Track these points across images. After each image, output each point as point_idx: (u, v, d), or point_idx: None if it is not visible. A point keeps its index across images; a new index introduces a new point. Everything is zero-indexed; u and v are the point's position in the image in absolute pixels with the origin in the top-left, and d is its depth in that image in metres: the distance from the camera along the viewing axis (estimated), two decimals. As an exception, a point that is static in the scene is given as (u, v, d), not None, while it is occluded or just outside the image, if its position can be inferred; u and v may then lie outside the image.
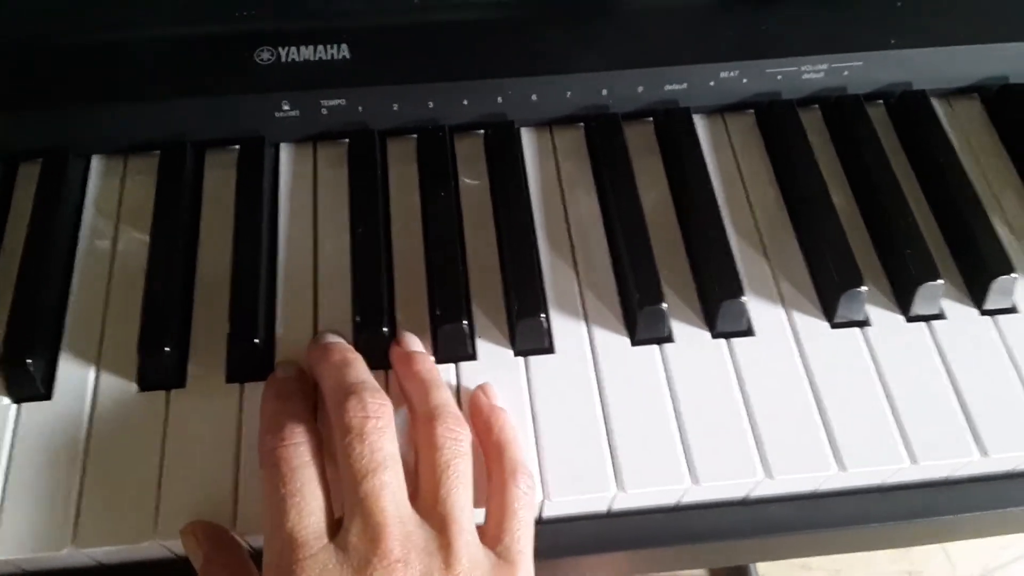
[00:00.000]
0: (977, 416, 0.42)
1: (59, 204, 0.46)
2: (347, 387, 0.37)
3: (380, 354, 0.42)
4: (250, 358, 0.42)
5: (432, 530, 0.35)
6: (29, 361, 0.40)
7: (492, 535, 0.37)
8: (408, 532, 0.34)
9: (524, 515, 0.38)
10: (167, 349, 0.41)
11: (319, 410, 0.40)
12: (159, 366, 0.41)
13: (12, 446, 0.40)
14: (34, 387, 0.41)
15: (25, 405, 0.41)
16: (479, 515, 0.39)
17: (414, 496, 0.37)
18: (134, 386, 0.42)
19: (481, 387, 0.42)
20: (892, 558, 1.30)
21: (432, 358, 0.43)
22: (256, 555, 0.39)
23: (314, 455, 0.36)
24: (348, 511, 0.35)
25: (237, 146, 0.49)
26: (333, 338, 0.42)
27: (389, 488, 0.35)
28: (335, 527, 0.35)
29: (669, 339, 0.44)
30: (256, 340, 0.41)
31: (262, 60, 0.48)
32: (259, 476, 0.37)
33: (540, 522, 0.42)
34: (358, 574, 0.33)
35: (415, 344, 0.43)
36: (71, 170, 0.48)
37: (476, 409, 0.41)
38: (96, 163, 0.50)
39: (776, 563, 1.28)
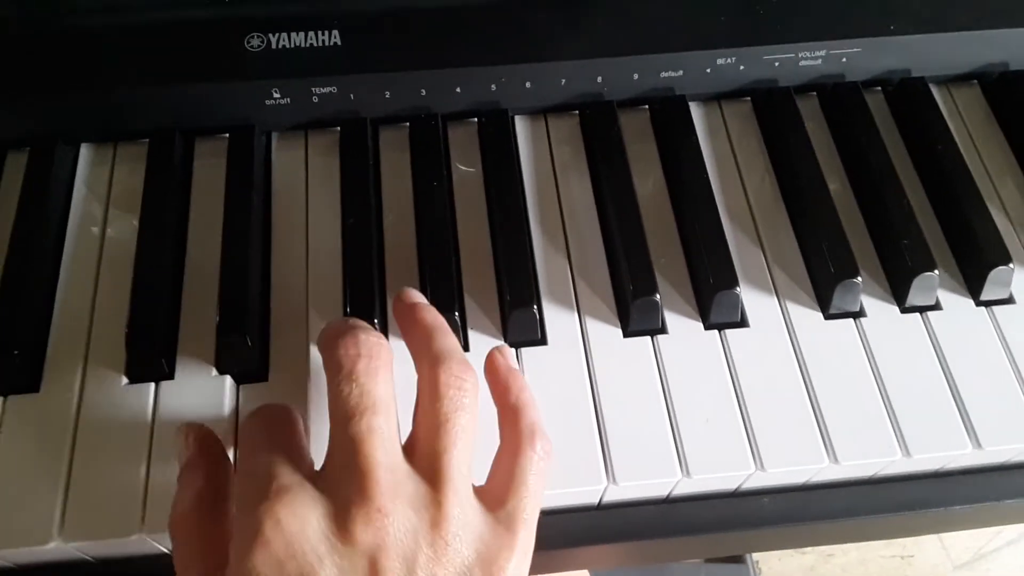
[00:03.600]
0: (972, 409, 0.42)
1: (47, 193, 0.46)
2: (342, 329, 0.35)
3: (370, 345, 0.42)
4: (239, 349, 0.41)
5: (424, 485, 0.32)
6: (16, 352, 0.40)
7: (495, 497, 0.34)
8: (396, 482, 0.31)
9: (535, 482, 0.35)
10: (155, 342, 0.40)
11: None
12: (147, 359, 0.41)
13: (-2, 439, 0.39)
14: (21, 379, 0.41)
15: (12, 397, 0.41)
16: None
17: (410, 449, 0.34)
18: (123, 378, 0.41)
19: (498, 348, 0.39)
20: (886, 542, 1.31)
21: (433, 307, 0.39)
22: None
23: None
24: (330, 456, 0.32)
25: (227, 134, 0.49)
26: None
27: (378, 433, 0.32)
28: (314, 475, 0.33)
29: (662, 330, 0.44)
30: (245, 330, 0.41)
31: (252, 47, 0.47)
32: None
33: (532, 514, 0.42)
34: (334, 521, 0.30)
35: (417, 296, 0.40)
36: (59, 158, 0.47)
37: (493, 368, 0.38)
38: (85, 151, 0.49)
39: (772, 547, 1.28)
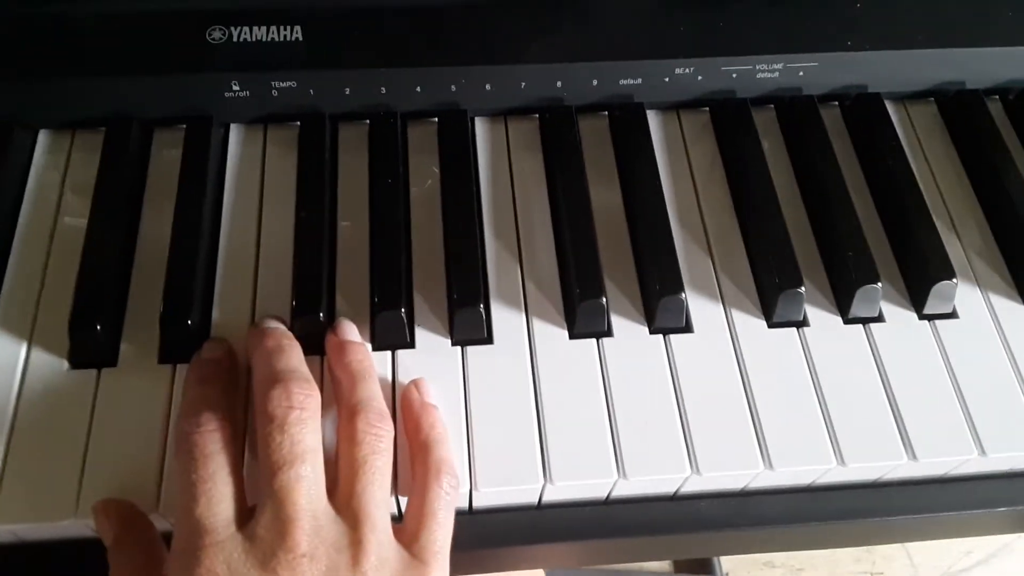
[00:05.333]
0: (909, 421, 0.42)
1: (1, 177, 0.46)
2: (275, 375, 0.37)
3: (316, 340, 0.42)
4: (183, 339, 0.41)
5: (345, 526, 0.35)
6: (-43, 334, 0.40)
7: (409, 533, 0.37)
8: (319, 527, 0.34)
9: (444, 516, 0.37)
10: (98, 328, 0.41)
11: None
12: (90, 345, 0.41)
13: (-65, 419, 0.39)
14: (-39, 360, 0.41)
15: (-48, 378, 0.41)
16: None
17: (332, 490, 0.36)
18: (65, 363, 0.41)
19: (414, 383, 0.41)
20: (855, 558, 1.31)
21: (367, 348, 0.42)
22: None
23: (229, 443, 0.36)
24: (261, 502, 0.35)
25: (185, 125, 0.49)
26: (272, 323, 0.42)
27: (304, 482, 0.34)
28: (246, 516, 0.35)
29: (608, 333, 0.44)
30: (189, 321, 0.41)
31: (213, 39, 0.47)
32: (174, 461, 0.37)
33: (471, 512, 0.42)
34: (262, 565, 0.33)
35: (351, 333, 0.42)
36: (16, 143, 0.48)
37: (407, 405, 0.40)
38: (43, 137, 0.49)
39: (740, 560, 1.29)
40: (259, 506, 0.35)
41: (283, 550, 0.33)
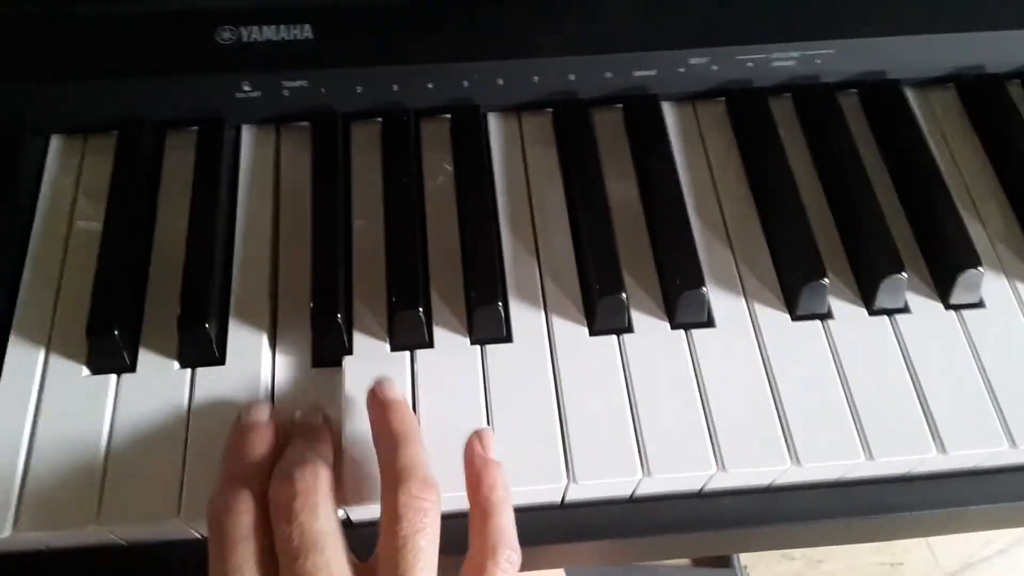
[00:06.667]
0: (937, 413, 0.41)
1: (15, 184, 0.46)
2: (289, 460, 0.36)
3: (334, 343, 0.42)
4: (201, 342, 0.41)
5: None
6: (-25, 342, 0.40)
7: None
8: None
9: None
10: (116, 333, 0.40)
11: None
12: (109, 349, 0.40)
13: (-46, 429, 0.39)
14: (-20, 370, 0.40)
15: (-30, 386, 0.40)
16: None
17: (373, 569, 0.34)
18: (84, 369, 0.41)
19: (477, 434, 0.39)
20: (875, 548, 1.30)
21: (409, 406, 0.40)
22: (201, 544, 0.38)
23: (259, 526, 0.34)
24: None
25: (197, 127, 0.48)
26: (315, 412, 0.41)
27: (324, 571, 0.33)
28: None
29: (629, 329, 0.44)
30: (207, 324, 0.41)
31: (223, 40, 0.47)
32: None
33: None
34: None
35: (392, 391, 0.40)
36: (28, 149, 0.47)
37: (469, 459, 0.38)
38: (55, 142, 0.49)
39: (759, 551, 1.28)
40: None
41: None
